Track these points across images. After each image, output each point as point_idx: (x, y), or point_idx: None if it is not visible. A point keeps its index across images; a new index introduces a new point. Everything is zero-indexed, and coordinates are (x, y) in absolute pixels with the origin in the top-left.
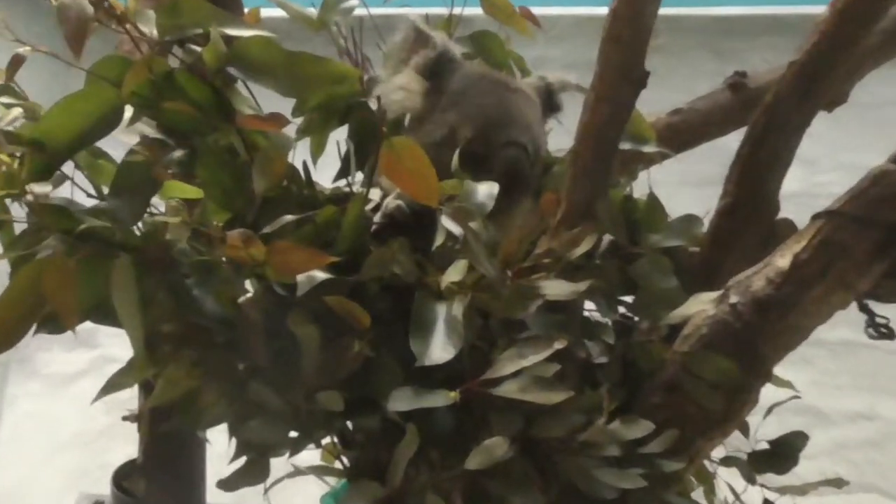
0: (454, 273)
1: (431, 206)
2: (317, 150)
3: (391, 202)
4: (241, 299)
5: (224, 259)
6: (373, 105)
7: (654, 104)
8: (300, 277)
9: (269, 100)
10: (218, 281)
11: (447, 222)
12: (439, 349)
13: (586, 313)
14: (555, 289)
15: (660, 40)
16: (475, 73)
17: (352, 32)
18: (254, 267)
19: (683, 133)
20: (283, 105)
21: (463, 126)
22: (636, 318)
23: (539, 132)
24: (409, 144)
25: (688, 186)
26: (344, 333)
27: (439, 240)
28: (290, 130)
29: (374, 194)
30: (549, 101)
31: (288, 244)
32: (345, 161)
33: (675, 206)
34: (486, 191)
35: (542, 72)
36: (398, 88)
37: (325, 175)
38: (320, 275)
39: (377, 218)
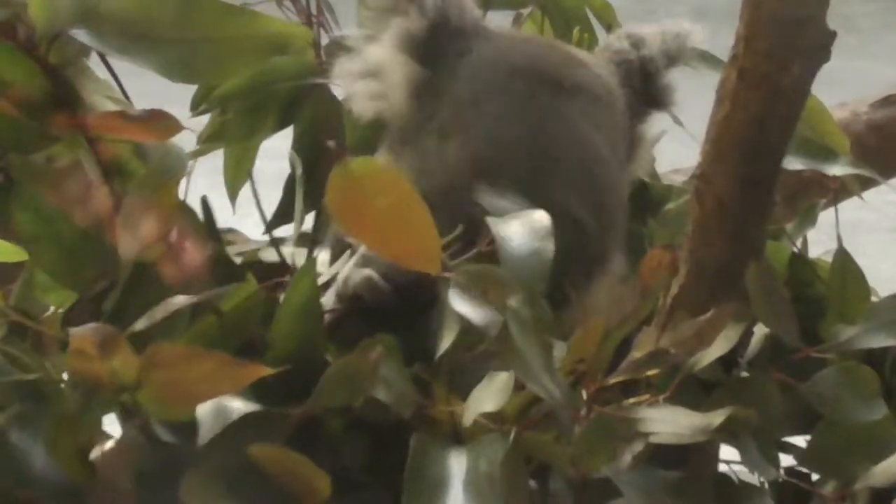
0: (486, 398)
1: (430, 275)
2: (235, 175)
3: (355, 273)
4: (97, 453)
5: (65, 378)
6: (338, 90)
7: (847, 86)
8: (203, 410)
9: (147, 84)
10: (54, 419)
11: (460, 302)
12: None
13: (723, 467)
14: (668, 422)
15: None
16: (500, 62)
17: None
18: (118, 392)
19: None
20: (173, 93)
21: (467, 173)
22: (814, 476)
23: (612, 170)
24: (379, 169)
25: None
26: None
27: (447, 338)
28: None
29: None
30: (646, 90)
31: (180, 349)
32: (285, 193)
33: (890, 272)
34: (534, 230)
35: (637, 27)
36: (368, 74)
37: (248, 221)
38: (237, 405)
39: (330, 300)
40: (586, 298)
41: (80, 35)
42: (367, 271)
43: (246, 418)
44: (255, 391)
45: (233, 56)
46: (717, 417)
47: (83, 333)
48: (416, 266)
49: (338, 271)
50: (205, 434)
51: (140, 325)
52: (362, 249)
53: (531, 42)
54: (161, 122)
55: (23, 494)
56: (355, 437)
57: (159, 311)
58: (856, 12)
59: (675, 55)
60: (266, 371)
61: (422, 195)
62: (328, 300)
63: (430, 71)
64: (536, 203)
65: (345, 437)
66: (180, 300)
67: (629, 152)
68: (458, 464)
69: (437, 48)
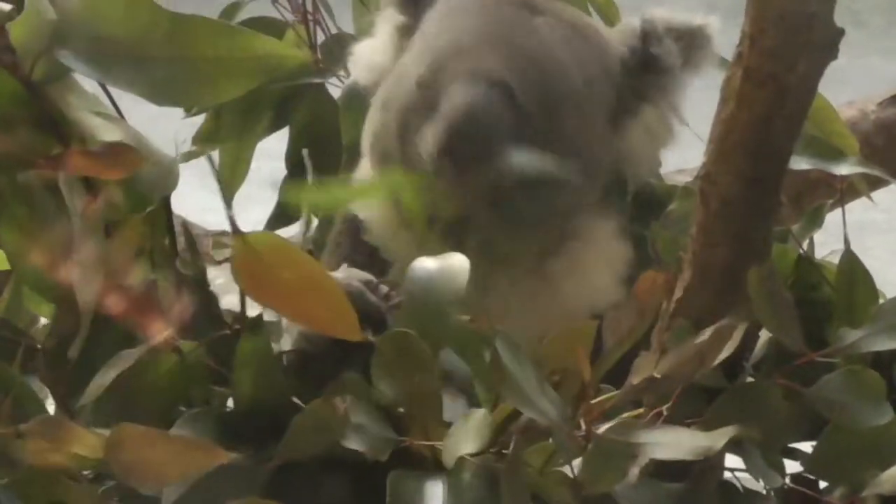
0: (466, 438)
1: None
2: (231, 176)
3: (291, 329)
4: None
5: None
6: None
7: (855, 84)
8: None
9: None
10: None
11: (379, 380)
12: None
13: (729, 475)
14: (670, 445)
15: None
16: None
17: None
18: (87, 468)
19: None
20: None
21: (420, 62)
22: (820, 483)
23: (572, 89)
24: (280, 243)
25: None
26: None
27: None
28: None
29: None
30: (644, 55)
31: (143, 430)
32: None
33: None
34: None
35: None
36: (376, 42)
37: (242, 217)
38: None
39: (283, 350)
40: (567, 245)
41: (63, 57)
42: (299, 328)
43: (219, 471)
44: (225, 438)
45: (223, 77)
46: (720, 439)
47: (33, 429)
48: (336, 334)
49: None
50: (168, 499)
51: (102, 379)
52: None
53: None
54: (122, 157)
55: None
56: (333, 475)
57: (117, 366)
58: (864, 7)
59: (667, 29)
60: (230, 456)
61: (396, 120)
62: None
63: (413, 19)
64: (455, 72)
65: (322, 475)
66: (137, 351)
67: (618, 114)
68: (436, 492)
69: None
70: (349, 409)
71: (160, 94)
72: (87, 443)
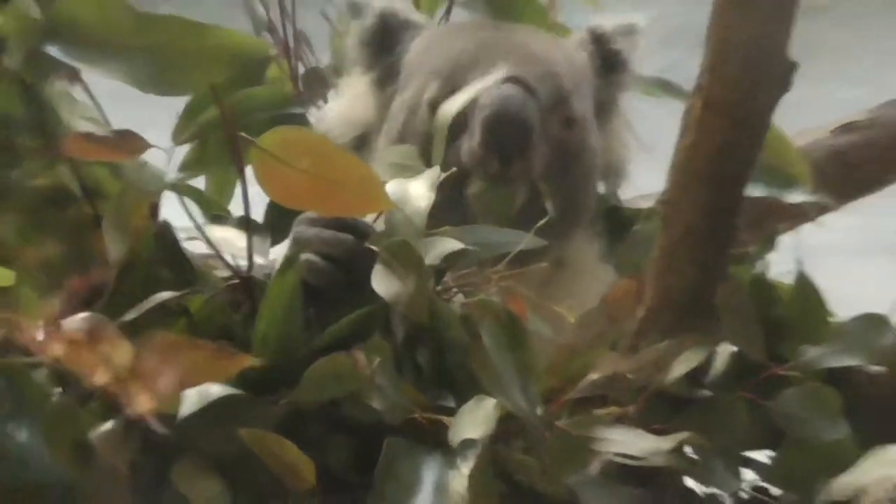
0: (472, 423)
1: (363, 244)
2: (220, 200)
3: (290, 253)
4: (93, 436)
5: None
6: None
7: (809, 112)
8: (187, 395)
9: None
10: (48, 415)
11: (378, 281)
12: None
13: (690, 483)
14: (627, 443)
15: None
16: (444, 27)
17: None
18: (110, 380)
19: (863, 164)
20: (156, 106)
21: (426, 88)
22: (776, 491)
23: (571, 73)
24: (290, 134)
25: (871, 257)
26: (270, 497)
27: None
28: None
29: None
30: (605, 56)
31: (172, 337)
32: (269, 214)
33: (850, 293)
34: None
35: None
36: (350, 101)
37: None
38: (219, 390)
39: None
40: (563, 256)
41: (52, 50)
42: (304, 255)
43: (230, 401)
44: (239, 384)
45: (194, 67)
46: (669, 442)
47: (74, 322)
48: (367, 208)
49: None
50: (186, 410)
51: (130, 316)
52: (293, 232)
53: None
54: (130, 143)
55: (24, 484)
56: (339, 437)
57: (147, 304)
58: (818, 40)
59: (624, 29)
60: (251, 361)
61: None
62: None
63: (388, 59)
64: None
65: (329, 437)
66: (165, 295)
67: (601, 113)
68: (431, 470)
69: (387, 39)
70: (376, 371)
71: (141, 80)
72: (118, 346)
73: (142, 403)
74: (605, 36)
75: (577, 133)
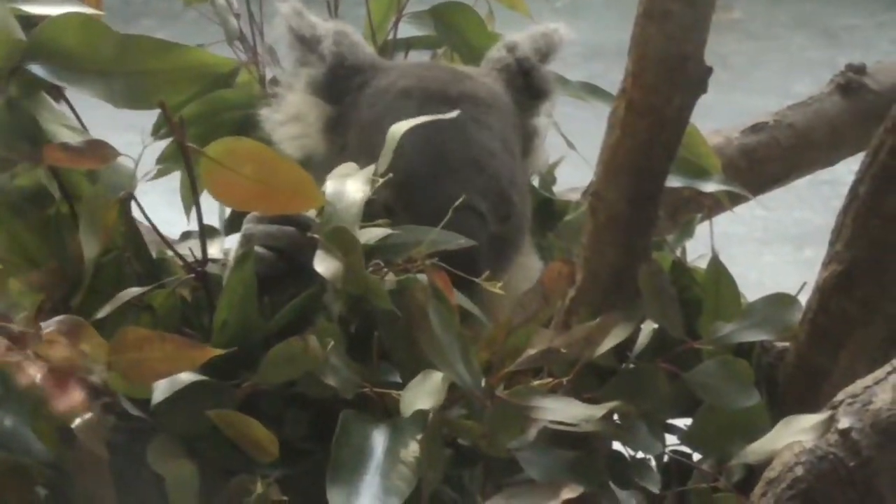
0: (421, 395)
1: (306, 234)
2: (190, 192)
3: (242, 248)
4: (75, 424)
5: (38, 368)
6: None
7: (721, 116)
8: (158, 383)
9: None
10: (33, 404)
11: (320, 262)
12: (370, 501)
13: (618, 446)
14: (559, 411)
15: (734, 14)
16: (395, 88)
17: (247, 4)
18: (89, 373)
19: (769, 162)
20: (132, 119)
21: (379, 191)
22: (694, 454)
23: (506, 162)
24: (233, 144)
25: (775, 246)
26: (237, 471)
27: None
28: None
29: None
30: (528, 85)
31: (144, 332)
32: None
33: (757, 278)
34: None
35: (509, 38)
36: (289, 120)
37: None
38: (187, 377)
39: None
40: (501, 280)
41: (36, 69)
42: (255, 248)
43: (197, 386)
44: (204, 370)
45: (169, 84)
46: (599, 410)
47: (53, 325)
48: (304, 205)
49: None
50: (158, 397)
51: (103, 313)
52: (242, 230)
53: (420, 66)
54: (101, 152)
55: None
56: (298, 412)
57: (117, 300)
58: (730, 51)
59: (546, 50)
60: (216, 352)
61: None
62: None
63: (337, 106)
64: (438, 200)
65: (286, 411)
66: (133, 290)
67: (525, 144)
68: (381, 438)
69: (339, 85)
70: (329, 352)
71: (118, 99)
72: (96, 343)
73: (121, 387)
74: (525, 62)
75: (514, 220)
